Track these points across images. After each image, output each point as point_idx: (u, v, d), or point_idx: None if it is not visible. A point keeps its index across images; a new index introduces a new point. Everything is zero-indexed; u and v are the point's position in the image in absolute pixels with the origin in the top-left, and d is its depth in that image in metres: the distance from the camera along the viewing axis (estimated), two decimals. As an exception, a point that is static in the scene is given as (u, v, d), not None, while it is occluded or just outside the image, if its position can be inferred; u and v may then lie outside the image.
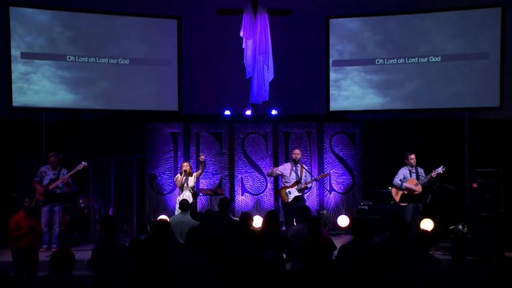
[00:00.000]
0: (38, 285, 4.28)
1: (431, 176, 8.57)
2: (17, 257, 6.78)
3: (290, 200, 8.75)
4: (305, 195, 9.75)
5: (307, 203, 9.77)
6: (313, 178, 9.19)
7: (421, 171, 8.78)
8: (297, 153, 8.98)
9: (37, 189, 8.38)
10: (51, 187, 8.39)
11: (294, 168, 8.90)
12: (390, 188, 9.00)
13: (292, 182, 8.81)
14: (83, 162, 8.55)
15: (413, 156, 8.72)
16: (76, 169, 8.51)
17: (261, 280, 4.64)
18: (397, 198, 8.65)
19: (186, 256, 4.88)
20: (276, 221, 6.57)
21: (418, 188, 8.64)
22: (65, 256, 4.29)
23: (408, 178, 8.69)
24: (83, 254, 7.67)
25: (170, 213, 9.33)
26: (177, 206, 8.28)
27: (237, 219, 9.32)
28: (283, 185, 8.93)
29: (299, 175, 8.82)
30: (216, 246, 5.46)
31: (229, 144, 10.16)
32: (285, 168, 8.96)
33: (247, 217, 6.62)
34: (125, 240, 7.77)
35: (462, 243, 4.64)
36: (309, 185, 9.04)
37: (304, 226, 6.38)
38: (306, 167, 9.09)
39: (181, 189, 8.86)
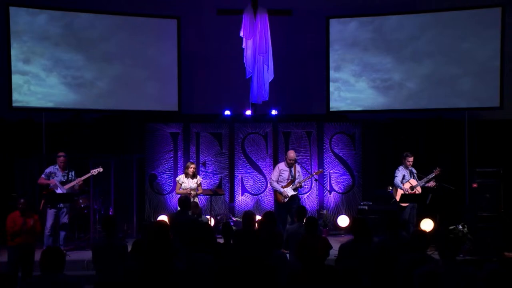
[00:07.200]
0: (30, 285, 4.19)
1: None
2: (11, 255, 6.80)
3: (286, 199, 8.73)
4: (305, 195, 9.76)
5: (307, 203, 9.82)
6: (308, 175, 9.19)
7: (414, 171, 8.79)
8: (291, 158, 8.73)
9: (48, 185, 8.23)
10: (65, 188, 8.27)
11: (288, 167, 8.86)
12: (390, 188, 8.99)
13: (287, 182, 8.79)
14: (99, 168, 8.49)
15: (411, 159, 8.71)
16: (90, 174, 8.45)
17: (261, 281, 4.62)
18: (398, 198, 8.65)
19: (188, 257, 4.87)
20: (274, 222, 6.45)
21: (418, 189, 8.67)
22: (53, 255, 4.05)
23: (407, 178, 8.70)
24: (83, 254, 7.69)
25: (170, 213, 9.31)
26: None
27: (237, 219, 9.36)
28: None
29: (293, 174, 8.79)
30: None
31: (229, 144, 10.15)
32: (284, 170, 8.91)
33: (249, 217, 6.28)
34: (125, 240, 7.77)
35: (453, 243, 4.59)
36: (303, 183, 8.99)
37: (300, 225, 6.35)
38: (298, 167, 8.97)
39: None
